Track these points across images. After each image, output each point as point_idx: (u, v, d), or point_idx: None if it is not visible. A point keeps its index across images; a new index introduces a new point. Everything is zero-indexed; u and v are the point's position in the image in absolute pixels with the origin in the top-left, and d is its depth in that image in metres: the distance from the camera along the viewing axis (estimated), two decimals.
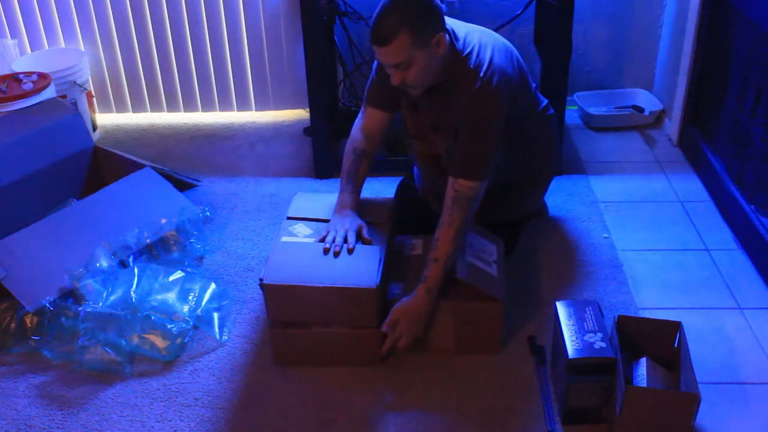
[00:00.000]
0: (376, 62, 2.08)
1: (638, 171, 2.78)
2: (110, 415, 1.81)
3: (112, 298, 1.98)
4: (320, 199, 2.20)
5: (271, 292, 1.84)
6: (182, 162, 2.93)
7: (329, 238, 1.93)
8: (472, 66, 1.87)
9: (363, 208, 2.09)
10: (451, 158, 1.94)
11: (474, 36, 1.93)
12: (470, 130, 1.89)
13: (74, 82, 2.97)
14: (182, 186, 2.64)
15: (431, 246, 1.89)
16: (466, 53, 1.88)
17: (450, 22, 1.90)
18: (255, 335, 2.04)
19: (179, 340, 1.97)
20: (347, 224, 1.98)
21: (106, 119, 3.31)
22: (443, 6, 1.89)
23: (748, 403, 1.77)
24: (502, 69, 1.91)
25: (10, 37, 3.15)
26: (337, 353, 1.90)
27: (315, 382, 1.87)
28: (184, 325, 1.98)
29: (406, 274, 1.98)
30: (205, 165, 2.93)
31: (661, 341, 1.76)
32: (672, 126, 2.97)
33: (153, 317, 1.96)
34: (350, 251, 1.90)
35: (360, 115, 2.15)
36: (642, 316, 1.99)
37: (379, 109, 2.09)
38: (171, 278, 2.07)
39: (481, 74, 1.86)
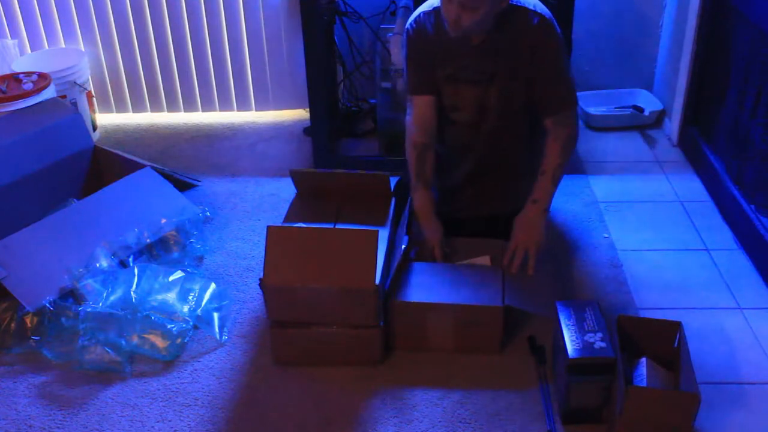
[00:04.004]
0: (404, 52, 2.13)
1: (638, 171, 2.78)
2: (110, 415, 1.81)
3: (112, 298, 1.98)
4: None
5: (271, 292, 1.84)
6: (182, 162, 2.93)
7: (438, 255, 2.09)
8: (516, 3, 1.96)
9: (361, 208, 2.09)
10: (541, 100, 2.06)
11: None
12: (547, 67, 2.01)
13: (74, 82, 2.97)
14: (182, 186, 2.64)
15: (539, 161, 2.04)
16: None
17: None
18: (255, 335, 2.04)
19: (179, 340, 1.97)
20: (434, 237, 2.12)
21: (106, 119, 3.31)
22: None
23: (748, 403, 1.77)
24: (544, 7, 2.02)
25: (10, 37, 3.15)
26: (337, 353, 1.90)
27: (315, 382, 1.87)
28: (184, 325, 1.98)
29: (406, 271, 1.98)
30: (205, 165, 2.93)
31: (661, 341, 1.76)
32: (672, 126, 2.97)
33: (153, 317, 1.96)
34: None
35: (408, 109, 2.18)
36: (642, 316, 2.00)
37: (425, 94, 2.14)
38: (171, 278, 2.07)
39: (531, 9, 1.96)
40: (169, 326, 1.95)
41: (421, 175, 2.16)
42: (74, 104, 2.96)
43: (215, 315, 2.05)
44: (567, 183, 2.68)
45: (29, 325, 1.99)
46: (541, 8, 1.99)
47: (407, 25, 2.11)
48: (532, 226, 2.05)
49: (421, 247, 2.13)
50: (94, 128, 3.17)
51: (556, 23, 2.00)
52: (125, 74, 3.25)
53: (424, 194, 2.16)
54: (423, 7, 2.08)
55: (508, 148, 2.17)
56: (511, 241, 2.06)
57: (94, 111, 3.17)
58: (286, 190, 2.70)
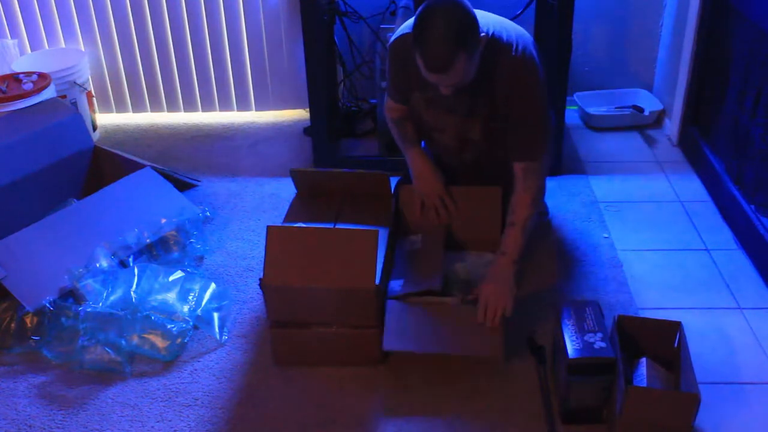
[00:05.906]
0: (387, 61, 2.09)
1: (638, 171, 2.78)
2: (110, 415, 1.81)
3: (112, 298, 1.98)
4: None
5: (271, 292, 1.84)
6: (182, 162, 2.93)
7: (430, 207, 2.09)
8: (500, 41, 1.89)
9: (361, 208, 2.09)
10: (512, 144, 1.98)
11: (489, 21, 1.93)
12: (522, 108, 1.93)
13: (74, 82, 2.97)
14: (182, 186, 2.64)
15: (508, 210, 1.95)
16: (491, 35, 1.88)
17: None
18: (255, 335, 2.04)
19: (179, 340, 1.98)
20: (437, 189, 2.10)
21: (106, 119, 3.31)
22: None
23: (748, 403, 1.77)
24: (528, 42, 1.94)
25: (10, 37, 3.15)
26: (337, 353, 1.90)
27: (315, 382, 1.87)
28: (184, 325, 1.98)
29: (407, 270, 1.98)
30: (205, 165, 2.93)
31: (661, 341, 1.76)
32: (672, 126, 2.97)
33: (153, 317, 1.96)
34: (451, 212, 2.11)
35: (385, 99, 2.20)
36: (642, 316, 1.99)
37: (397, 102, 2.14)
38: (171, 278, 2.07)
39: (513, 51, 1.88)
40: (169, 326, 1.95)
41: (408, 138, 2.16)
42: (74, 104, 2.96)
43: (215, 315, 2.05)
44: (567, 183, 2.69)
45: (29, 325, 1.99)
46: (524, 45, 1.91)
47: (392, 38, 2.05)
48: (502, 280, 1.90)
49: (416, 199, 2.14)
50: (94, 128, 3.17)
51: (538, 63, 1.92)
52: (125, 74, 3.25)
53: (417, 151, 2.15)
54: (410, 23, 1.95)
55: (495, 174, 2.14)
56: (480, 295, 1.88)
57: (94, 111, 3.17)
58: (286, 190, 2.70)
